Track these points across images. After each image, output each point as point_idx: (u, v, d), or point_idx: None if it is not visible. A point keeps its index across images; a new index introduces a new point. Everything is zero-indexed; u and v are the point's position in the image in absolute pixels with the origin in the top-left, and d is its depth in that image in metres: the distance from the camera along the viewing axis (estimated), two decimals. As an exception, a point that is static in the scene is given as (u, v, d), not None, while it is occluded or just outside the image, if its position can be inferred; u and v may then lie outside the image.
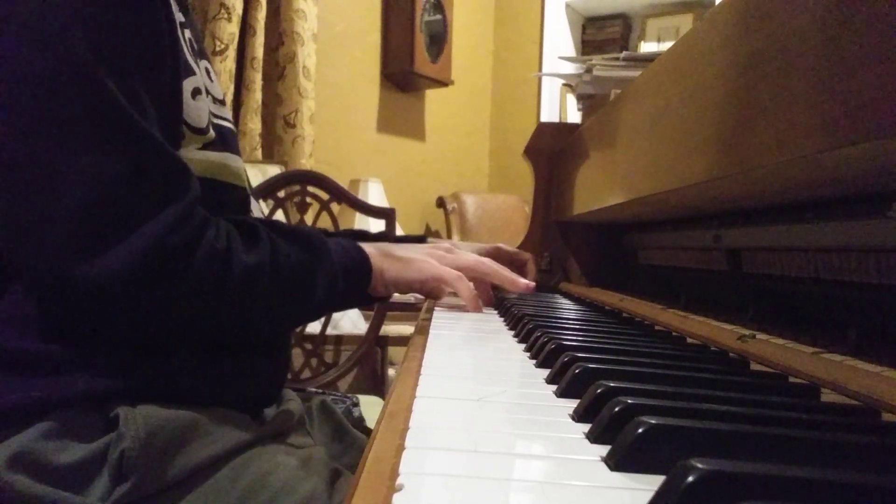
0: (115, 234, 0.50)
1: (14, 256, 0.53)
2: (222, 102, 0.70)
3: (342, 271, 0.68)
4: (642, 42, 3.63)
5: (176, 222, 0.52)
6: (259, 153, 2.41)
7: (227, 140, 0.67)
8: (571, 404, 0.38)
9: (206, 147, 0.63)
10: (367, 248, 0.74)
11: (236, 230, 0.59)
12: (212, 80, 0.66)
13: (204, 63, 0.66)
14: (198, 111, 0.62)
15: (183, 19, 0.62)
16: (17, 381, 0.52)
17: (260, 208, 0.76)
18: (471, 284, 0.79)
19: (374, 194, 2.70)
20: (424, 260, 0.78)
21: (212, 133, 0.64)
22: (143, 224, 0.51)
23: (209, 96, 0.64)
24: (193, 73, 0.62)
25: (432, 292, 0.83)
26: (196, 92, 0.62)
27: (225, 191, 0.65)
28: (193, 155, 0.62)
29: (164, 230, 0.51)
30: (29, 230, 0.50)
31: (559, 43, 3.65)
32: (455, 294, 0.82)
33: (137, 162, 0.52)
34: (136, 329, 0.55)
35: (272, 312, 0.62)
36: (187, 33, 0.63)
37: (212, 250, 0.55)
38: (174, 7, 0.59)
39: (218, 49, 2.18)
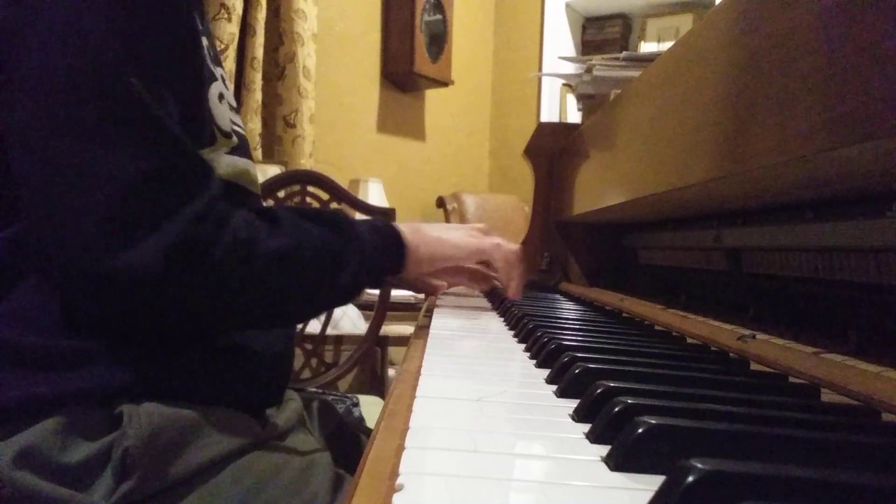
0: (142, 229, 0.51)
1: (42, 251, 0.54)
2: (236, 110, 0.71)
3: (372, 249, 0.67)
4: (642, 42, 3.63)
5: (199, 216, 0.53)
6: (259, 153, 2.40)
7: (241, 146, 0.68)
8: (571, 404, 0.38)
9: (232, 152, 0.65)
10: (400, 226, 0.73)
11: (258, 217, 0.60)
12: (227, 88, 0.67)
13: (219, 70, 0.67)
14: (223, 115, 0.63)
15: (201, 27, 0.63)
16: (22, 377, 0.52)
17: None
18: (507, 256, 0.82)
19: (374, 194, 2.70)
20: (460, 237, 0.79)
21: (235, 138, 0.65)
22: (168, 219, 0.52)
23: (224, 101, 0.66)
24: (216, 79, 0.63)
25: (472, 276, 0.87)
26: (220, 97, 0.63)
27: (245, 196, 0.67)
28: (224, 158, 0.63)
29: (189, 224, 0.52)
30: (58, 226, 0.51)
31: (559, 43, 3.65)
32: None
33: (162, 159, 0.53)
34: (165, 320, 0.56)
35: (302, 294, 0.62)
36: (205, 40, 0.64)
37: (235, 240, 0.56)
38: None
39: (218, 49, 2.19)
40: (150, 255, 0.51)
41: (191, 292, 0.54)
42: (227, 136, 0.64)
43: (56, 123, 0.51)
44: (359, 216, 2.17)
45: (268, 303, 0.59)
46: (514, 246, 0.84)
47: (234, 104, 0.71)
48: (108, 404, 0.53)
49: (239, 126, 0.70)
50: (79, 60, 0.51)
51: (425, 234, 0.75)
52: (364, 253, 0.65)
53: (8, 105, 0.52)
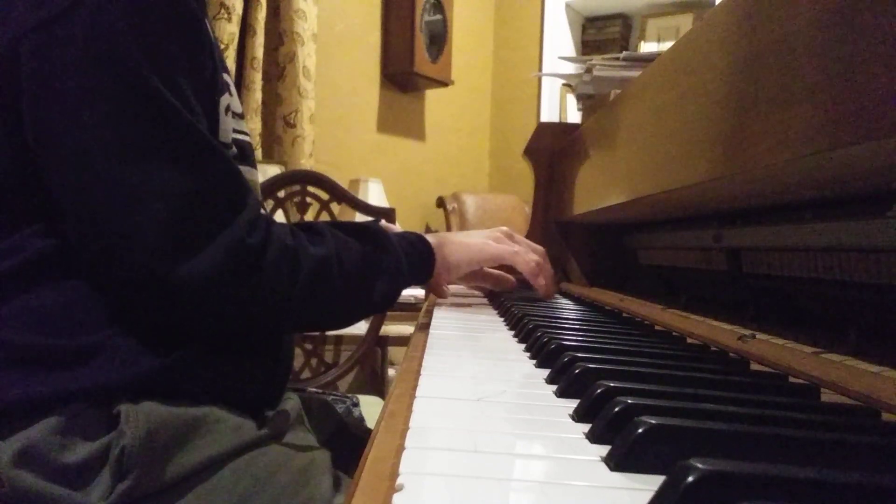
0: (201, 240, 0.53)
1: (97, 263, 0.55)
2: (241, 116, 0.72)
3: (406, 259, 0.71)
4: (642, 42, 3.63)
5: (250, 224, 0.56)
6: (259, 153, 2.40)
7: (245, 154, 0.70)
8: (571, 404, 0.38)
9: None
10: (428, 236, 0.78)
11: (297, 228, 0.63)
12: (231, 94, 0.67)
13: (227, 77, 0.67)
14: (226, 127, 0.65)
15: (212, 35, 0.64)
16: (21, 377, 0.52)
17: None
18: (530, 260, 0.84)
19: (374, 194, 2.70)
20: (484, 242, 0.82)
21: (234, 149, 0.67)
22: (223, 229, 0.55)
23: (230, 112, 0.66)
24: (226, 90, 0.65)
25: (496, 280, 0.90)
26: (227, 109, 0.65)
27: None
28: None
29: (242, 233, 0.55)
30: (119, 241, 0.53)
31: (559, 43, 3.65)
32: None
33: (210, 172, 0.56)
34: (220, 323, 0.58)
35: (343, 300, 0.65)
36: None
37: (283, 246, 0.59)
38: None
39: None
40: (210, 263, 0.53)
41: (246, 296, 0.56)
42: (227, 147, 0.65)
43: (106, 146, 0.52)
44: (359, 216, 2.17)
45: (312, 307, 0.62)
46: (535, 252, 0.85)
47: (240, 111, 0.71)
48: (107, 404, 0.53)
49: (243, 133, 0.71)
50: (116, 82, 0.52)
51: (450, 241, 0.80)
52: (399, 262, 0.69)
53: (45, 126, 0.53)
